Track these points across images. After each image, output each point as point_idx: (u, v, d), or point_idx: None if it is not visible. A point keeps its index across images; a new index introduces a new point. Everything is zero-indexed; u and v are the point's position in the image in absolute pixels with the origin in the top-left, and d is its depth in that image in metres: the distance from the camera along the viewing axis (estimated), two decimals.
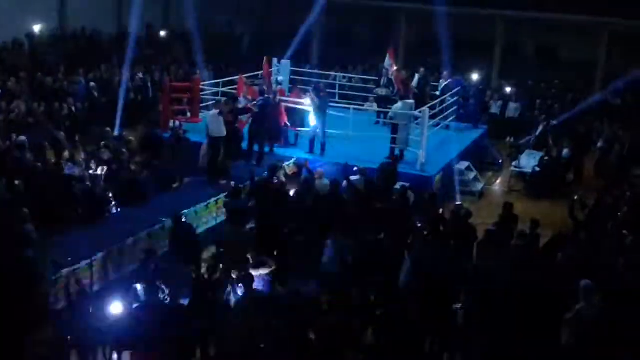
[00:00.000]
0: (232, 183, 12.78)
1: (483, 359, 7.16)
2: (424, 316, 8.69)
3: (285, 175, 13.90)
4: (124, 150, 14.22)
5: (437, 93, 19.06)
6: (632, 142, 18.54)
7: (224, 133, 14.13)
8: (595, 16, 23.62)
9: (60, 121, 16.93)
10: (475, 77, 22.33)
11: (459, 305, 9.17)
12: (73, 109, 17.91)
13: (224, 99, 15.81)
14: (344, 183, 12.76)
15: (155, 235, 11.41)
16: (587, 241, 10.84)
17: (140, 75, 21.59)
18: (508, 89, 23.57)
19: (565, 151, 17.81)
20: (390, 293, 9.49)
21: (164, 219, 11.62)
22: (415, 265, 9.44)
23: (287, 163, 14.93)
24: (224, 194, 12.66)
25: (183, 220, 11.08)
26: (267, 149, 15.61)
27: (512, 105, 22.59)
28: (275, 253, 10.85)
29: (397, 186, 13.60)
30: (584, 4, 23.16)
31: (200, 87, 17.94)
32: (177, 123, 16.42)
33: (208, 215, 12.89)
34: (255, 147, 15.34)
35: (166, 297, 8.75)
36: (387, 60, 18.94)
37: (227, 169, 14.17)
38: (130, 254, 10.81)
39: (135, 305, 8.69)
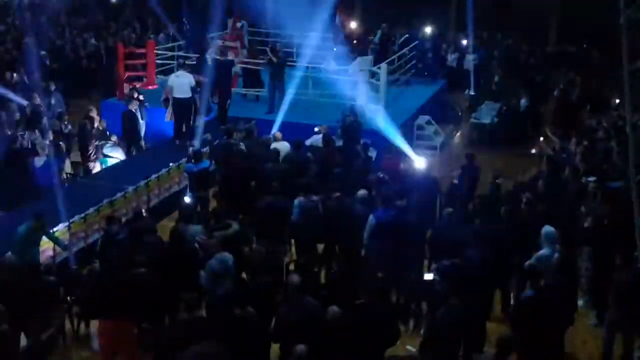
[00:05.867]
0: (191, 147, 12.63)
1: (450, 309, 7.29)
2: (389, 272, 8.80)
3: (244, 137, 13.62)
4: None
5: (396, 48, 18.99)
6: (586, 88, 18.64)
7: (190, 94, 13.92)
8: None
9: (11, 91, 16.49)
10: (430, 29, 22.24)
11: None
12: (25, 78, 17.44)
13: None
14: (307, 142, 12.73)
15: (118, 203, 11.36)
16: (547, 189, 11.01)
17: (93, 41, 21.06)
18: (464, 42, 23.52)
19: (523, 101, 17.94)
20: (354, 252, 9.59)
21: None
22: (379, 224, 9.48)
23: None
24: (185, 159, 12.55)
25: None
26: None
27: (469, 57, 22.57)
28: (239, 216, 10.77)
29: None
30: None
31: (156, 51, 17.60)
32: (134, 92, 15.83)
33: (170, 181, 12.82)
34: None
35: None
36: (338, 18, 18.78)
37: (195, 131, 14.00)
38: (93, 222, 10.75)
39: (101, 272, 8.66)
